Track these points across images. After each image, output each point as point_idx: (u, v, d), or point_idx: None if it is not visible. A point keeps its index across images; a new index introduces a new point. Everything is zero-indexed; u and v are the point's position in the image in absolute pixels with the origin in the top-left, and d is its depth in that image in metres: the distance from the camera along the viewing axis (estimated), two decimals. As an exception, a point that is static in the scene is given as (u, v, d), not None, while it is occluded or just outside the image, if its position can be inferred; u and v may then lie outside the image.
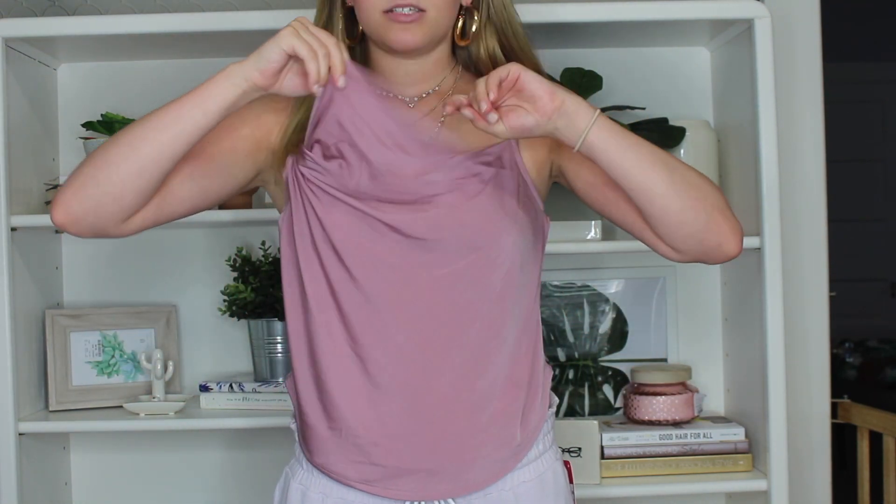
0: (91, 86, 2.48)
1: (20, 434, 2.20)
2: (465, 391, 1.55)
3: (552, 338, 2.51)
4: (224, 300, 2.37)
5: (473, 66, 1.67)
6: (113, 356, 2.42)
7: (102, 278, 2.48)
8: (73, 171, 1.50)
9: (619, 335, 2.52)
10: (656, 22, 2.24)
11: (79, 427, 2.31)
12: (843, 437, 4.16)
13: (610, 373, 2.52)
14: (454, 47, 1.67)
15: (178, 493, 2.50)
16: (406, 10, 1.54)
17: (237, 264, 2.37)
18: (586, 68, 2.33)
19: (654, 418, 2.32)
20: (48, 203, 2.33)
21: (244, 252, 2.38)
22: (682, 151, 2.33)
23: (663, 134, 2.30)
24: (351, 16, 1.64)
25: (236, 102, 1.46)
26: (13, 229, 2.20)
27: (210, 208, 1.62)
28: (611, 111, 2.32)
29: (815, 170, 2.51)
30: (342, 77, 1.44)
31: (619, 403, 2.51)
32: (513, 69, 1.41)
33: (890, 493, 2.57)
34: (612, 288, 2.52)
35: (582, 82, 2.29)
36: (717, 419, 2.36)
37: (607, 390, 2.52)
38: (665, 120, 2.33)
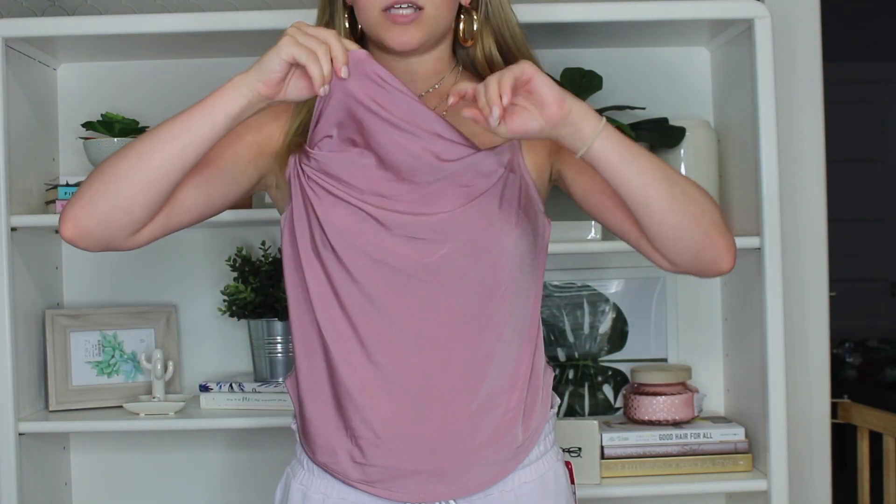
0: (91, 86, 2.48)
1: (20, 434, 2.20)
2: (466, 392, 1.55)
3: (552, 338, 2.51)
4: (224, 300, 2.37)
5: (472, 67, 1.67)
6: (113, 356, 2.42)
7: (102, 278, 2.48)
8: (81, 184, 1.50)
9: (619, 335, 2.52)
10: (656, 22, 2.24)
11: (79, 427, 2.31)
12: (843, 437, 4.16)
13: (610, 373, 2.52)
14: (455, 47, 1.67)
15: (178, 493, 2.50)
16: (404, 8, 1.54)
17: (237, 264, 2.37)
18: (586, 68, 2.33)
19: (654, 418, 2.32)
20: (48, 203, 2.33)
21: (244, 252, 2.38)
22: (682, 151, 2.33)
23: (663, 134, 2.30)
24: (352, 15, 1.63)
25: (243, 113, 1.47)
26: (13, 229, 2.20)
27: (216, 215, 1.62)
28: (611, 111, 2.32)
29: (815, 170, 2.51)
30: (344, 67, 1.44)
31: (619, 403, 2.51)
32: (527, 69, 1.39)
33: (890, 493, 2.57)
34: (612, 288, 2.52)
35: (582, 82, 2.29)
36: (717, 419, 2.37)
37: (607, 390, 2.52)
38: (665, 120, 2.33)
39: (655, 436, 2.26)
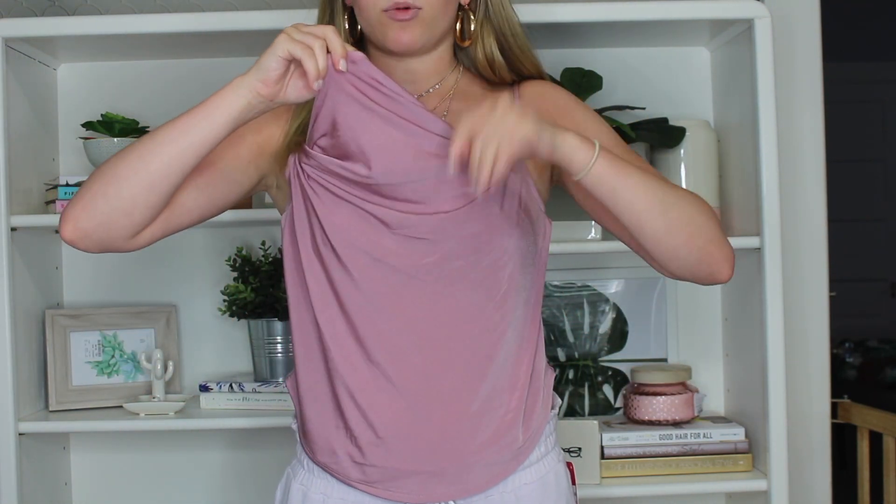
0: (91, 86, 2.48)
1: (20, 434, 2.20)
2: (466, 392, 1.55)
3: (552, 338, 2.51)
4: (224, 300, 2.37)
5: (473, 67, 1.67)
6: (113, 356, 2.42)
7: (102, 278, 2.48)
8: (82, 186, 1.50)
9: (619, 335, 2.52)
10: (656, 22, 2.24)
11: (79, 427, 2.31)
12: (843, 437, 4.17)
13: (610, 373, 2.52)
14: (456, 47, 1.67)
15: (178, 493, 2.50)
16: (403, 9, 1.54)
17: (237, 264, 2.37)
18: (586, 68, 2.33)
19: (654, 418, 2.32)
20: (48, 203, 2.33)
21: (244, 252, 2.38)
22: (682, 151, 2.33)
23: (663, 134, 2.30)
24: (352, 16, 1.64)
25: (243, 114, 1.47)
26: (13, 229, 2.20)
27: (216, 216, 1.62)
28: (611, 111, 2.32)
29: (815, 170, 2.51)
30: (342, 60, 1.44)
31: (619, 403, 2.51)
32: (516, 148, 1.39)
33: (890, 493, 2.57)
34: (612, 288, 2.52)
35: (582, 82, 2.29)
36: (717, 419, 2.37)
37: (607, 390, 2.52)
38: (665, 120, 2.33)
39: (655, 436, 2.26)
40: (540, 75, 1.67)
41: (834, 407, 2.60)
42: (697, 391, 2.35)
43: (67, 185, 2.26)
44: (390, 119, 1.52)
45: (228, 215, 2.24)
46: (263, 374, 2.37)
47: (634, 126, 2.29)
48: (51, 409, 2.34)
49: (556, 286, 2.51)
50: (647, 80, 2.49)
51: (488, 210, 1.54)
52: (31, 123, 2.33)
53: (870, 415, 2.60)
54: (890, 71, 6.51)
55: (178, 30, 2.21)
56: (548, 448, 1.64)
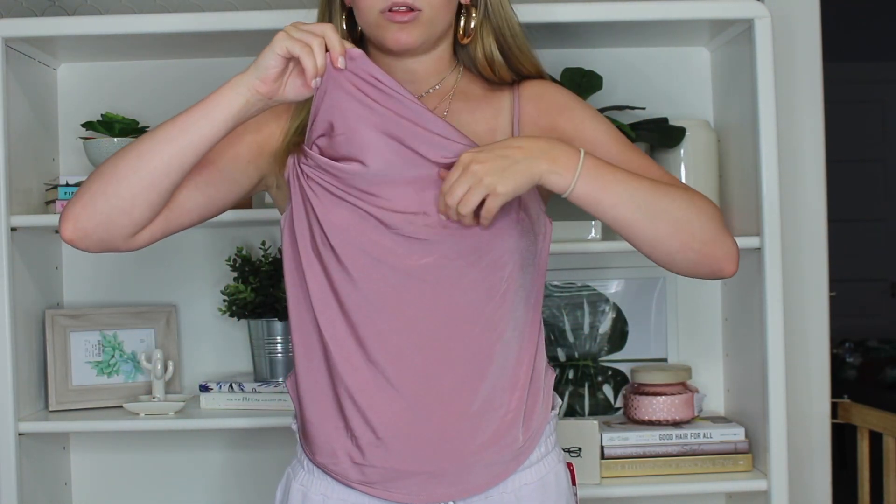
0: (91, 86, 2.48)
1: (20, 434, 2.20)
2: (466, 393, 1.55)
3: (552, 338, 2.51)
4: (224, 300, 2.37)
5: (473, 67, 1.67)
6: (113, 356, 2.42)
7: (102, 278, 2.48)
8: (81, 185, 1.50)
9: (619, 335, 2.52)
10: (656, 22, 2.24)
11: (79, 427, 2.31)
12: (843, 437, 4.17)
13: (610, 373, 2.52)
14: (456, 47, 1.67)
15: (178, 493, 2.50)
16: (402, 10, 1.54)
17: (237, 264, 2.37)
18: (586, 68, 2.33)
19: (654, 418, 2.32)
20: (48, 203, 2.33)
21: (244, 252, 2.38)
22: (682, 151, 2.33)
23: (663, 134, 2.30)
24: (350, 17, 1.64)
25: (242, 112, 1.47)
26: (13, 229, 2.20)
27: (216, 216, 1.62)
28: (611, 111, 2.32)
29: (815, 170, 2.51)
30: (341, 58, 1.44)
31: (619, 403, 2.51)
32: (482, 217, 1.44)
33: (890, 493, 2.56)
34: (612, 288, 2.52)
35: (582, 82, 2.29)
36: (717, 419, 2.36)
37: (607, 390, 2.52)
38: (665, 120, 2.33)
39: (655, 436, 2.26)
40: (540, 75, 1.67)
41: (834, 407, 2.60)
42: (697, 391, 2.35)
43: (67, 185, 2.26)
44: (389, 117, 1.52)
45: (228, 215, 2.24)
46: (263, 374, 2.37)
47: (634, 126, 2.29)
48: (51, 409, 2.34)
49: (556, 286, 2.51)
50: (647, 80, 2.49)
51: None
52: (31, 123, 2.33)
53: (870, 415, 2.60)
54: (890, 71, 6.51)
55: (178, 30, 2.21)
56: (548, 448, 1.64)
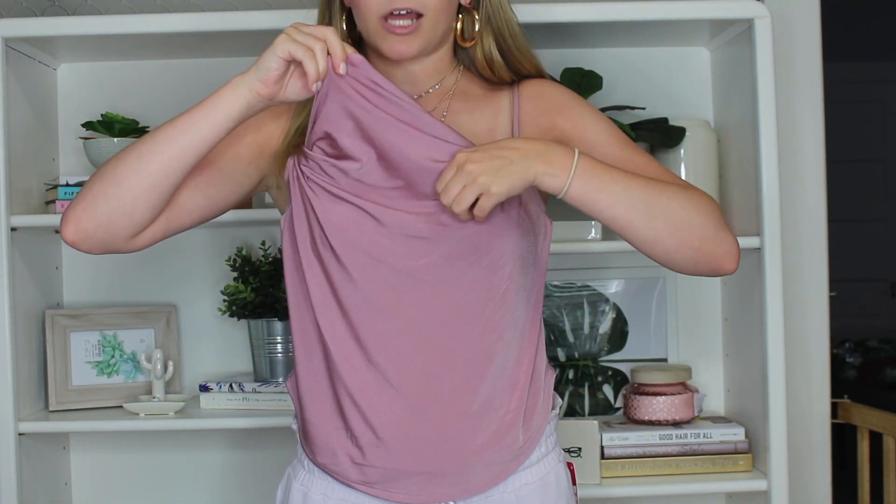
0: (91, 86, 2.48)
1: (20, 434, 2.20)
2: (466, 393, 1.55)
3: (552, 338, 2.51)
4: (224, 300, 2.37)
5: (472, 67, 1.67)
6: (113, 356, 2.42)
7: (102, 278, 2.48)
8: (83, 187, 1.51)
9: (619, 335, 2.52)
10: (656, 22, 2.24)
11: (79, 427, 2.31)
12: (843, 437, 4.17)
13: (610, 373, 2.52)
14: (456, 46, 1.67)
15: (178, 493, 2.50)
16: (403, 17, 1.54)
17: (237, 264, 2.37)
18: (586, 68, 2.33)
19: (654, 418, 2.32)
20: (48, 203, 2.33)
21: (244, 252, 2.38)
22: (682, 151, 2.33)
23: (663, 134, 2.30)
24: (350, 18, 1.63)
25: (242, 113, 1.47)
26: (13, 229, 2.20)
27: (216, 217, 1.62)
28: (611, 111, 2.32)
29: (815, 170, 2.51)
30: (342, 64, 1.44)
31: (619, 403, 2.51)
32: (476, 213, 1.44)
33: (890, 493, 2.57)
34: (612, 288, 2.52)
35: (582, 82, 2.29)
36: (717, 419, 2.36)
37: (607, 390, 2.52)
38: (665, 120, 2.33)
39: (655, 436, 2.26)
40: (540, 74, 1.67)
41: (834, 407, 2.60)
42: (697, 391, 2.35)
43: (67, 185, 2.26)
44: (390, 122, 1.52)
45: (228, 215, 2.23)
46: (263, 374, 2.37)
47: (634, 126, 2.29)
48: (51, 409, 2.34)
49: (556, 286, 2.51)
50: (647, 80, 2.49)
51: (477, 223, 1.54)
52: (31, 123, 2.33)
53: (870, 415, 2.60)
54: (890, 71, 6.50)
55: (178, 30, 2.21)
56: (548, 448, 1.64)
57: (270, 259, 2.36)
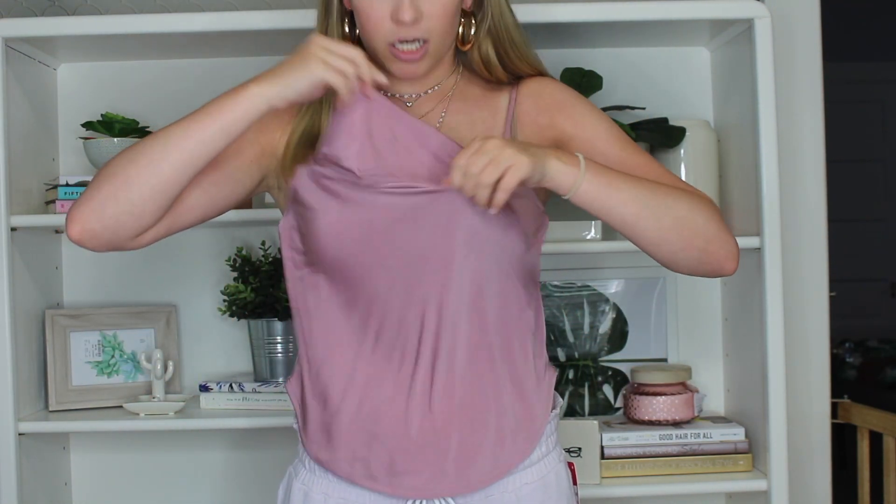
0: (91, 86, 2.48)
1: (20, 434, 2.20)
2: (467, 391, 1.55)
3: (552, 338, 2.51)
4: (224, 300, 2.37)
5: (471, 67, 1.67)
6: (113, 356, 2.42)
7: (102, 278, 2.48)
8: (89, 185, 1.51)
9: (619, 335, 2.52)
10: (656, 22, 2.24)
11: (79, 427, 2.31)
12: (843, 437, 4.17)
13: (610, 373, 2.52)
14: (456, 48, 1.67)
15: (178, 493, 2.50)
16: (409, 45, 1.54)
17: (237, 264, 2.37)
18: (586, 68, 2.33)
19: (654, 418, 2.32)
20: (48, 203, 2.33)
21: (244, 252, 2.38)
22: (682, 151, 2.33)
23: (663, 134, 2.30)
24: (350, 19, 1.63)
25: (255, 121, 1.49)
26: (13, 229, 2.20)
27: (218, 216, 1.63)
28: (611, 111, 2.32)
29: (815, 170, 2.51)
30: (374, 91, 1.51)
31: (619, 403, 2.51)
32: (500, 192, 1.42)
33: (890, 493, 2.57)
34: (612, 288, 2.52)
35: (582, 82, 2.29)
36: (717, 419, 2.36)
37: (607, 390, 2.52)
38: (665, 120, 2.33)
39: (655, 436, 2.26)
40: (540, 73, 1.67)
41: (834, 407, 2.60)
42: (697, 391, 2.35)
43: (67, 185, 2.26)
44: (390, 134, 1.55)
45: (229, 215, 2.23)
46: (263, 374, 2.37)
47: (634, 126, 2.29)
48: (51, 409, 2.34)
49: (556, 286, 2.51)
50: (647, 80, 2.49)
51: (486, 214, 1.54)
52: (31, 123, 2.33)
53: (870, 415, 2.60)
54: (890, 71, 6.51)
55: (178, 30, 2.21)
56: (549, 448, 1.64)
57: (270, 259, 2.36)
